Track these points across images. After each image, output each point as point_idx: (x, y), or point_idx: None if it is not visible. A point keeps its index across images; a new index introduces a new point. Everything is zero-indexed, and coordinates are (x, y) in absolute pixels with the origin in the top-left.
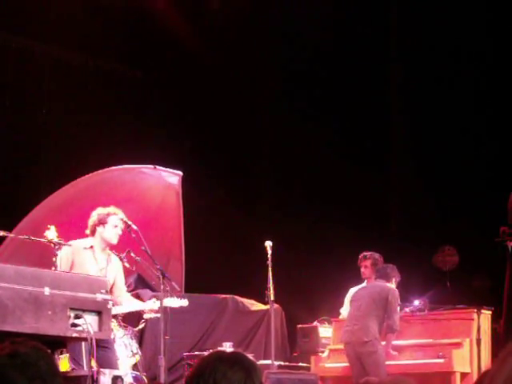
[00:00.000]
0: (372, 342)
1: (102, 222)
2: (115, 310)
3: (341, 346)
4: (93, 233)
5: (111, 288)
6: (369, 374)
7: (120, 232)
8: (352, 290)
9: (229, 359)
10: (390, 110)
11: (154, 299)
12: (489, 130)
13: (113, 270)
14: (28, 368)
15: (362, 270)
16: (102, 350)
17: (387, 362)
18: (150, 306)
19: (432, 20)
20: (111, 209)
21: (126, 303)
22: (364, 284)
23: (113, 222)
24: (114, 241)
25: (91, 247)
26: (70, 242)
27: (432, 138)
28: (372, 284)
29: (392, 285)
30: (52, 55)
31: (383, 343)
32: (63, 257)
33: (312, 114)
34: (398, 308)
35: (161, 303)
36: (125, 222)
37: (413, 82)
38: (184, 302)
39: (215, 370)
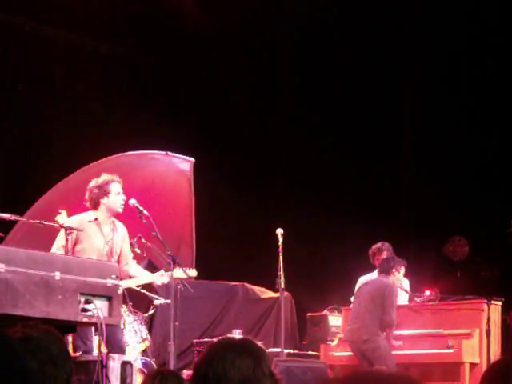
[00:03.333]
0: (372, 338)
1: (104, 192)
2: (124, 283)
3: None
4: (96, 206)
5: (118, 257)
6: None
7: (124, 197)
8: (362, 279)
9: (237, 347)
10: (400, 105)
11: (162, 271)
12: (499, 118)
13: (119, 239)
14: (40, 352)
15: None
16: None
17: (396, 352)
18: (157, 278)
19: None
20: (107, 176)
21: (134, 272)
22: (375, 273)
23: (115, 190)
24: (120, 209)
25: (95, 219)
26: (72, 218)
27: (441, 128)
28: (374, 280)
29: (395, 276)
30: (64, 40)
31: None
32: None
33: (324, 105)
34: (397, 302)
35: (172, 289)
36: (136, 208)
37: (423, 78)
38: (193, 273)
39: (224, 358)
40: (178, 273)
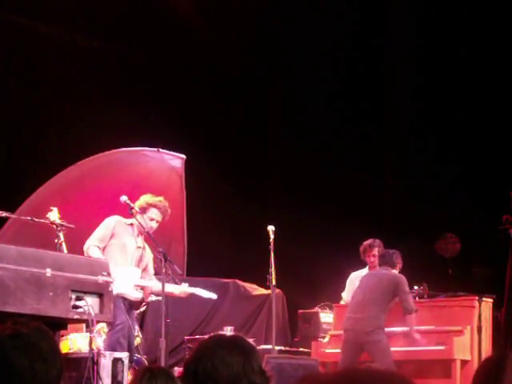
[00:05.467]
0: (376, 331)
1: (142, 210)
2: (149, 283)
3: (342, 332)
4: (132, 215)
5: (143, 270)
6: (376, 360)
7: (154, 226)
8: (354, 275)
9: (227, 343)
10: (384, 96)
11: (187, 284)
12: (492, 116)
13: (148, 255)
14: (30, 349)
15: (372, 259)
16: None
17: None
18: (181, 289)
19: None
20: (155, 200)
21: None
22: (366, 269)
23: (152, 215)
24: (145, 232)
25: (131, 224)
26: (114, 216)
27: (432, 122)
28: (379, 272)
29: (396, 271)
30: (56, 36)
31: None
32: (105, 224)
33: (313, 101)
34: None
35: (162, 286)
36: (127, 205)
37: (405, 79)
38: (213, 295)
39: (214, 355)
40: (200, 291)
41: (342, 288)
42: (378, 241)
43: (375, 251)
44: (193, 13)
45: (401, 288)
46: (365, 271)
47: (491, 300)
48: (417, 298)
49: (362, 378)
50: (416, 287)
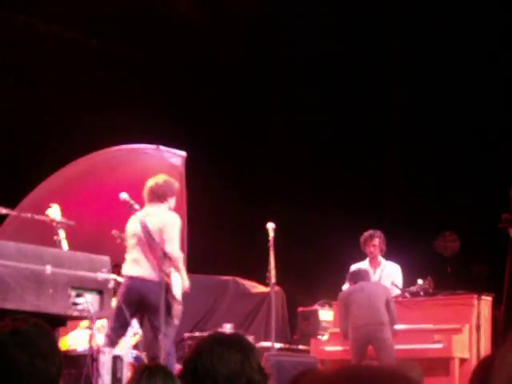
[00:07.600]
0: (387, 326)
1: (173, 192)
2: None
3: (349, 331)
4: (163, 200)
5: None
6: (381, 358)
7: None
8: (354, 267)
9: (226, 341)
10: (388, 93)
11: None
12: (491, 114)
13: None
14: (29, 345)
15: (372, 249)
16: None
17: None
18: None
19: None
20: (173, 179)
21: None
22: (366, 261)
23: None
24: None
25: None
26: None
27: (431, 122)
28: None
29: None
30: (55, 34)
31: None
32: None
33: (312, 99)
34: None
35: (162, 283)
36: (127, 202)
37: (413, 69)
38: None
39: (212, 352)
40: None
41: (342, 285)
42: (378, 231)
43: (376, 241)
44: (193, 10)
45: (394, 313)
46: (365, 263)
47: (490, 298)
48: (421, 293)
49: (363, 375)
50: (420, 281)
